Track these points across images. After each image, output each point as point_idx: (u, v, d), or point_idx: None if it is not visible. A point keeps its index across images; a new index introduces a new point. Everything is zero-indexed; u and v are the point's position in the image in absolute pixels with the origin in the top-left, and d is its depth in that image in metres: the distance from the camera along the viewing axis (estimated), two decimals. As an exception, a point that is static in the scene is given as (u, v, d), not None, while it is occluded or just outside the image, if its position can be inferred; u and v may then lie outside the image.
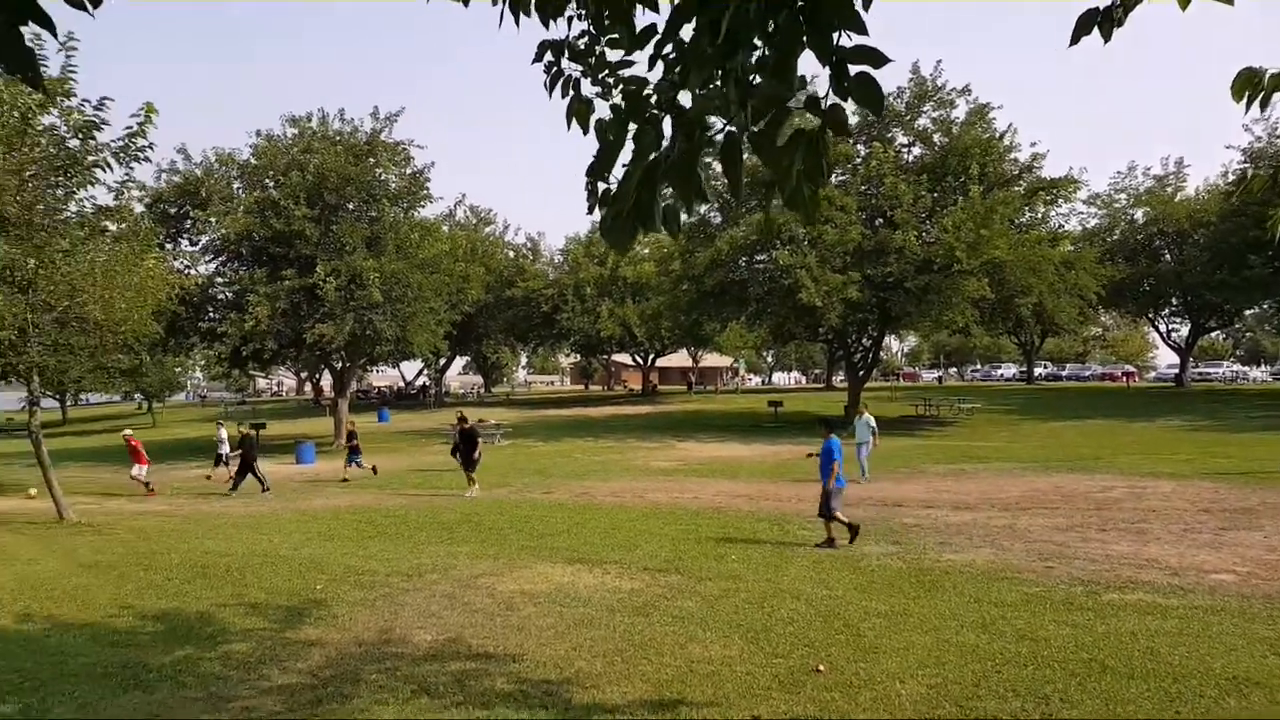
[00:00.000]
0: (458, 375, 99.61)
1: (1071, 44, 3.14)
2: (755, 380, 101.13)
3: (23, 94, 14.50)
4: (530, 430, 38.72)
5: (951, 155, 34.30)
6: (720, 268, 34.68)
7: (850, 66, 2.30)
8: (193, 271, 30.50)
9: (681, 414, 46.70)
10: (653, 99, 2.82)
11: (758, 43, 2.47)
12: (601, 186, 2.85)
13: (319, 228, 30.75)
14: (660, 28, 2.80)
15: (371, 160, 32.39)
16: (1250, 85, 3.07)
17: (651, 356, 66.38)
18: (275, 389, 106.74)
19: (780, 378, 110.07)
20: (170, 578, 10.78)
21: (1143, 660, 6.76)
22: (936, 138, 35.65)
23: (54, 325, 16.32)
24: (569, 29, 3.17)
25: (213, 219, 30.49)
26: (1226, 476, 18.18)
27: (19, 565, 12.00)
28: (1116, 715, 5.76)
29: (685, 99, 2.72)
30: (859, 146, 35.25)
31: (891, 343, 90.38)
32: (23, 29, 2.09)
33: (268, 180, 31.95)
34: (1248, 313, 61.50)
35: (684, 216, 2.81)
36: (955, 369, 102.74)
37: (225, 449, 24.23)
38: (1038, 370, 71.26)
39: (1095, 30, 3.11)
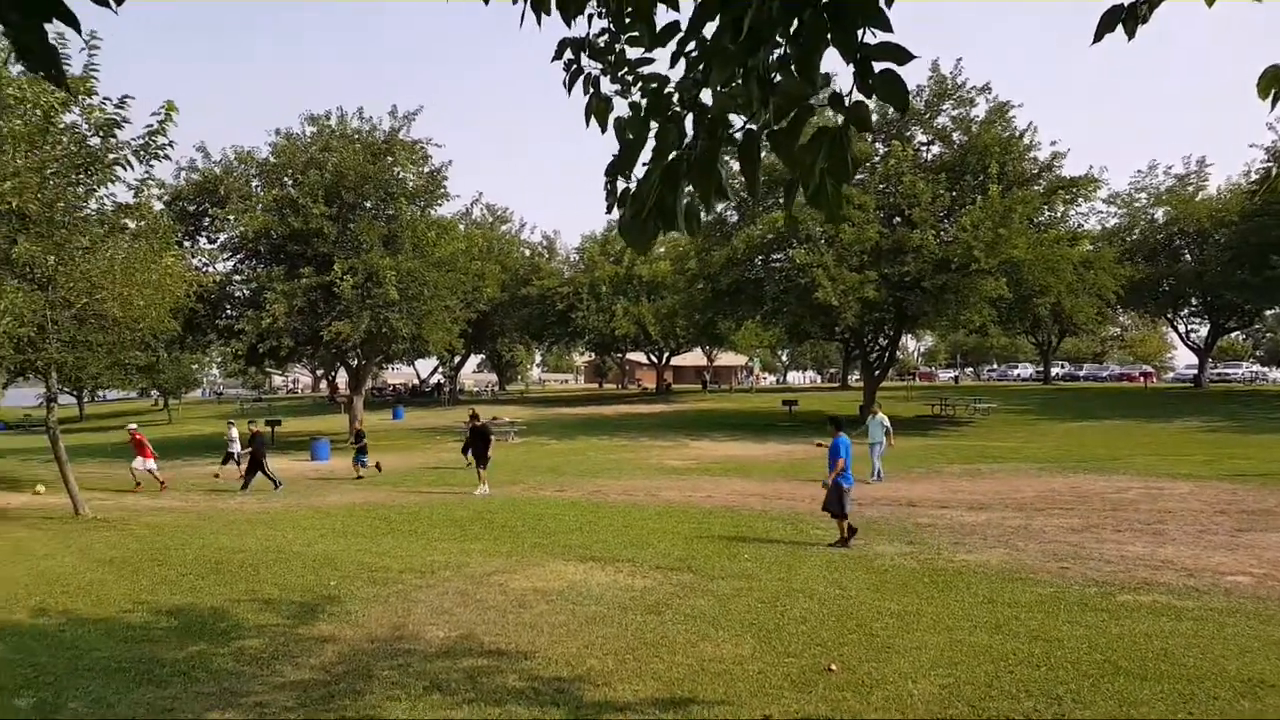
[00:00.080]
0: (472, 373, 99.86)
1: (1095, 41, 3.11)
2: (770, 379, 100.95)
3: (45, 92, 14.62)
4: (544, 428, 38.79)
5: (971, 154, 34.15)
6: (736, 266, 34.64)
7: (874, 64, 2.29)
8: (211, 269, 30.69)
9: (695, 413, 46.67)
10: (675, 97, 2.82)
11: (780, 40, 2.47)
12: (620, 185, 2.85)
13: (337, 226, 30.87)
14: (682, 25, 2.80)
15: (389, 159, 32.47)
16: (1277, 83, 3.03)
17: (666, 355, 66.39)
18: (291, 386, 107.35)
19: (795, 377, 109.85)
20: (184, 573, 10.85)
21: (1157, 662, 6.71)
22: (955, 136, 35.50)
23: (73, 322, 16.45)
24: (589, 27, 3.17)
25: (231, 217, 30.64)
26: (1244, 478, 18.03)
27: (35, 560, 12.11)
28: (1130, 717, 5.72)
29: (707, 97, 2.72)
30: (877, 145, 35.15)
31: (908, 342, 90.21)
32: (46, 27, 2.11)
33: (286, 178, 32.09)
34: (1268, 313, 61.02)
35: (703, 215, 2.81)
36: (971, 369, 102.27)
37: (235, 447, 24.37)
38: (1055, 370, 70.82)
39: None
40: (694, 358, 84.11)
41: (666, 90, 2.90)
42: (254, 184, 32.68)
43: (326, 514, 16.24)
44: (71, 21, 2.13)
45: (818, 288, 30.22)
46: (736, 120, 2.63)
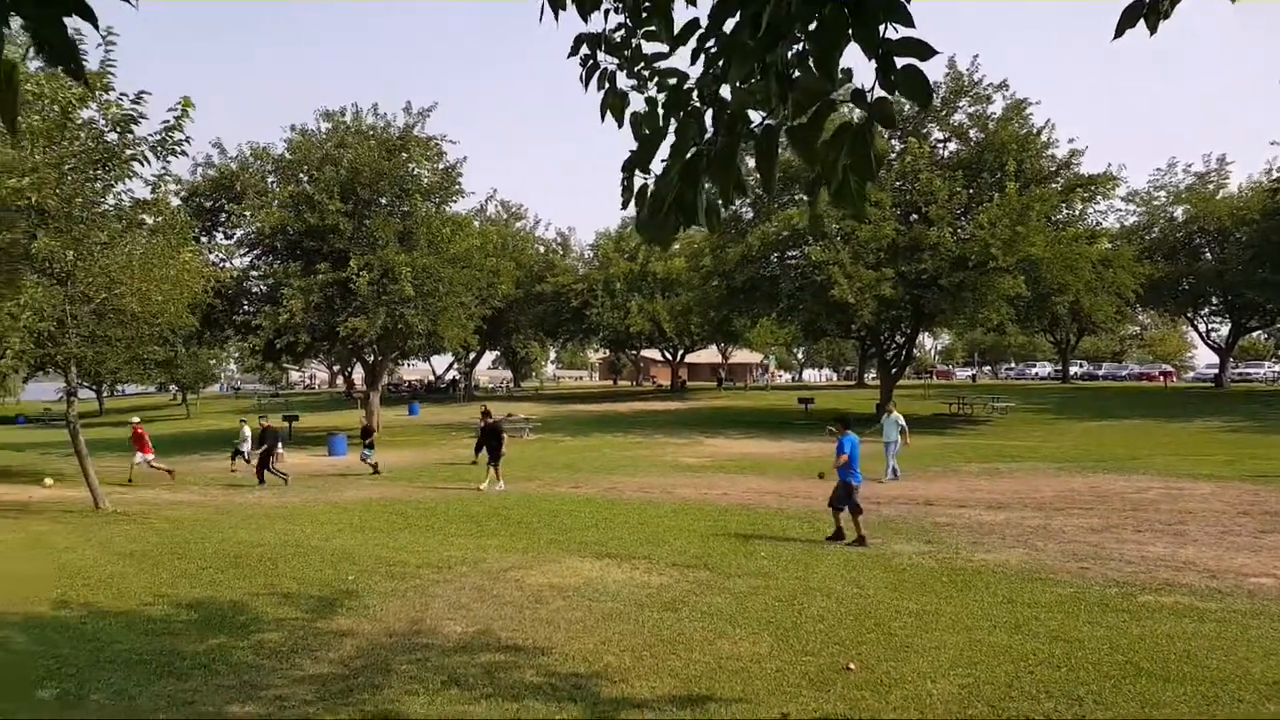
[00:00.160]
0: (487, 370, 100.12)
1: (1115, 37, 3.07)
2: (785, 377, 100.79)
3: (63, 88, 14.72)
4: (558, 425, 38.84)
5: (988, 151, 33.94)
6: (751, 264, 34.55)
7: (896, 59, 2.27)
8: (228, 265, 30.90)
9: (710, 410, 46.63)
10: (694, 92, 2.80)
11: (799, 36, 2.45)
12: (638, 182, 2.83)
13: (352, 222, 31.01)
14: (700, 21, 2.79)
15: (404, 155, 32.61)
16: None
17: (680, 352, 66.34)
18: (308, 382, 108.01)
19: (811, 375, 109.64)
20: (204, 567, 10.91)
21: (1179, 663, 6.64)
22: (973, 133, 35.29)
23: (92, 317, 16.57)
24: (605, 22, 3.16)
25: (248, 213, 30.84)
26: (1267, 479, 17.86)
27: (56, 553, 12.20)
28: (1152, 718, 5.67)
29: (726, 92, 2.70)
30: (893, 142, 34.98)
31: (925, 340, 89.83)
32: (65, 21, 2.11)
33: (302, 175, 32.26)
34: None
35: (721, 211, 2.79)
36: (989, 367, 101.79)
37: (246, 446, 24.53)
38: (1073, 369, 70.39)
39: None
40: (709, 355, 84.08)
41: (685, 86, 2.88)
42: (270, 180, 32.88)
43: (344, 509, 16.30)
44: (89, 16, 2.13)
45: (834, 285, 30.11)
46: (755, 116, 2.62)
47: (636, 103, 3.05)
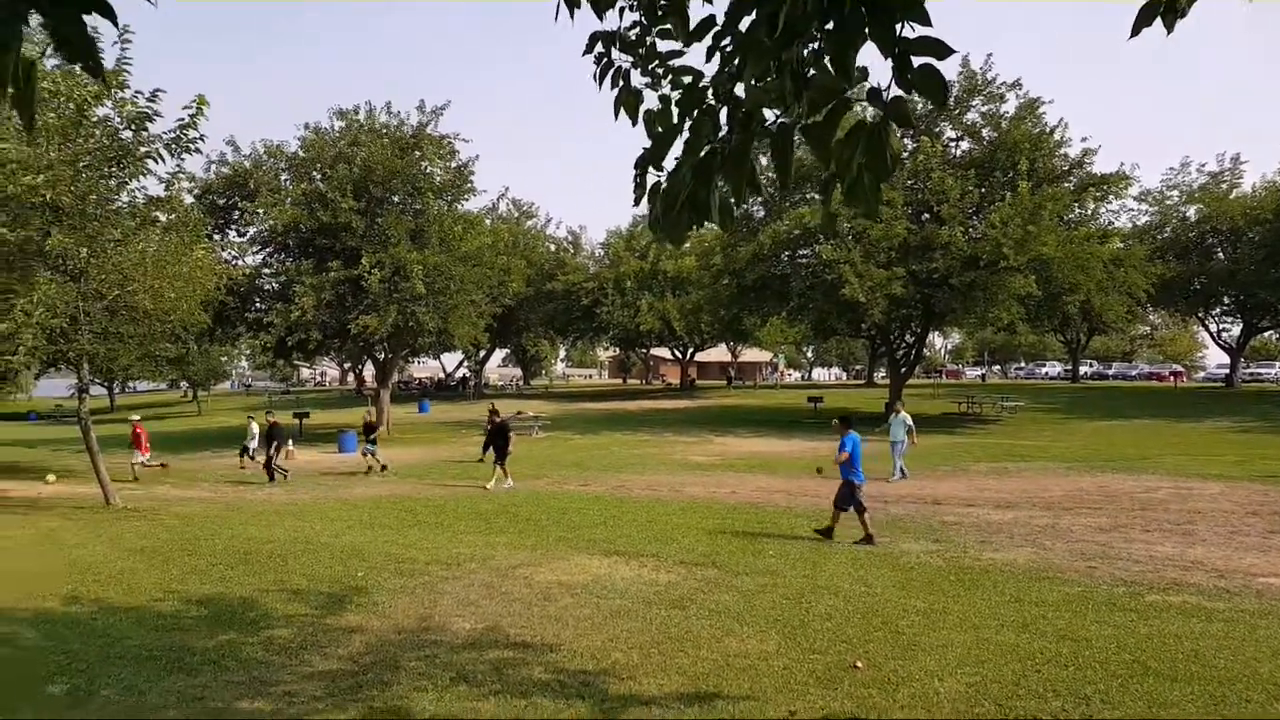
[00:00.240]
0: (497, 367, 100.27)
1: (1132, 35, 3.05)
2: (795, 376, 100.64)
3: (78, 85, 14.80)
4: (568, 423, 38.87)
5: (1000, 150, 33.79)
6: (762, 262, 34.47)
7: (913, 58, 2.28)
8: (240, 262, 30.99)
9: (719, 409, 46.60)
10: (709, 90, 2.81)
11: (815, 34, 2.45)
12: (651, 180, 2.84)
13: (364, 220, 31.08)
14: (716, 19, 2.80)
15: (417, 153, 32.66)
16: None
17: (690, 351, 66.30)
18: (319, 379, 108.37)
19: (820, 373, 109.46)
20: (214, 563, 10.97)
21: (1187, 663, 6.64)
22: (985, 132, 35.14)
23: (104, 313, 16.66)
24: (620, 20, 3.18)
25: (260, 210, 30.94)
26: (1277, 479, 17.76)
27: (67, 549, 12.28)
28: (1159, 718, 5.67)
29: (740, 90, 2.71)
30: (906, 140, 34.87)
31: (935, 339, 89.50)
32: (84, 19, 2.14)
33: (315, 173, 32.35)
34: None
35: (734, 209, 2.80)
36: (999, 366, 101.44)
37: (253, 444, 24.62)
38: (1083, 369, 70.08)
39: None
40: (718, 353, 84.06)
41: (700, 84, 2.89)
42: (283, 178, 32.97)
43: (353, 506, 16.36)
44: (108, 14, 2.16)
45: (844, 284, 30.03)
46: (769, 114, 2.63)
47: (650, 100, 3.07)
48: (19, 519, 15.38)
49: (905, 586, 9.29)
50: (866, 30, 2.30)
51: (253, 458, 24.19)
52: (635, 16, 3.18)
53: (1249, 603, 8.45)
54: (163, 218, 17.13)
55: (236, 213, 33.03)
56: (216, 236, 31.43)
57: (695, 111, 2.84)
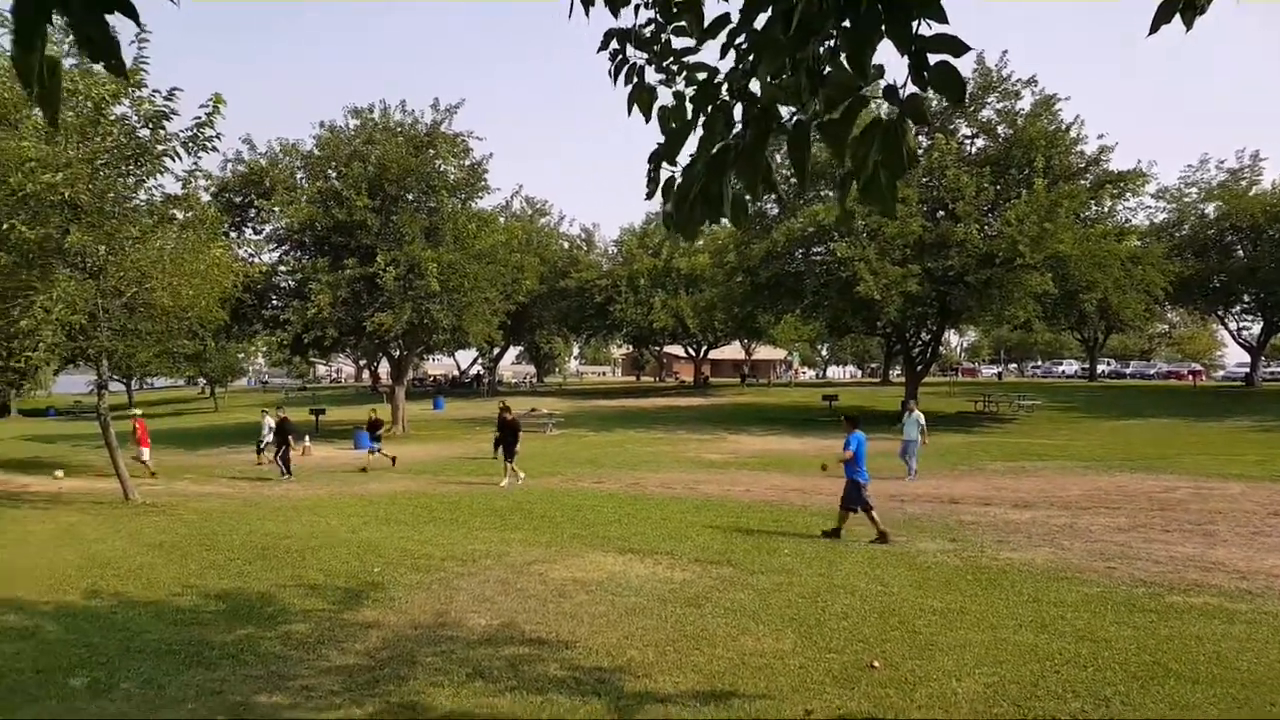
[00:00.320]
0: (511, 365, 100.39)
1: (1151, 32, 3.02)
2: (809, 374, 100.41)
3: (96, 84, 14.92)
4: (581, 420, 38.91)
5: (1016, 147, 33.62)
6: (776, 259, 34.40)
7: (929, 56, 2.26)
8: (257, 260, 31.13)
9: (733, 407, 46.55)
10: (723, 86, 2.80)
11: (831, 31, 2.44)
12: (664, 175, 2.84)
13: (379, 218, 31.19)
14: (731, 16, 2.79)
15: (431, 151, 32.74)
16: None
17: (704, 348, 66.24)
18: (334, 375, 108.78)
19: (835, 371, 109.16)
20: (232, 558, 11.04)
21: (1208, 665, 6.58)
22: (1000, 129, 34.94)
23: (123, 310, 16.79)
24: (635, 17, 3.17)
25: (277, 208, 31.09)
26: (1299, 480, 17.60)
27: (86, 544, 12.39)
28: (1181, 721, 5.63)
29: (755, 86, 2.70)
30: (921, 138, 34.71)
31: (951, 337, 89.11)
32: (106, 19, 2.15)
33: (330, 171, 32.47)
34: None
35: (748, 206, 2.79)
36: (1015, 365, 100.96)
37: (268, 438, 24.75)
38: (1100, 367, 69.63)
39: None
40: (732, 351, 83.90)
41: (715, 80, 2.89)
42: (298, 176, 33.12)
43: (370, 501, 16.43)
44: (131, 13, 2.17)
45: (859, 281, 29.94)
46: (785, 110, 2.62)
47: (664, 97, 3.07)
48: (40, 514, 15.52)
49: (922, 586, 9.25)
50: (883, 28, 2.29)
51: (262, 451, 24.33)
52: (650, 14, 3.18)
53: (1272, 604, 8.36)
54: (180, 215, 17.24)
55: (253, 210, 33.20)
56: (233, 234, 31.59)
57: (709, 108, 2.83)
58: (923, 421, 19.44)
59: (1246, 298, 50.23)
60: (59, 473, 22.35)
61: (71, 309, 15.16)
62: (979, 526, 12.99)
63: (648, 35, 3.23)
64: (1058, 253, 29.71)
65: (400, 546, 11.60)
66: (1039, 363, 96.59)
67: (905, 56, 2.28)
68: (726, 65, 2.87)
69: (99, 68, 15.28)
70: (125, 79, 14.47)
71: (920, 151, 33.99)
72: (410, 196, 32.79)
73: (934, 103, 30.15)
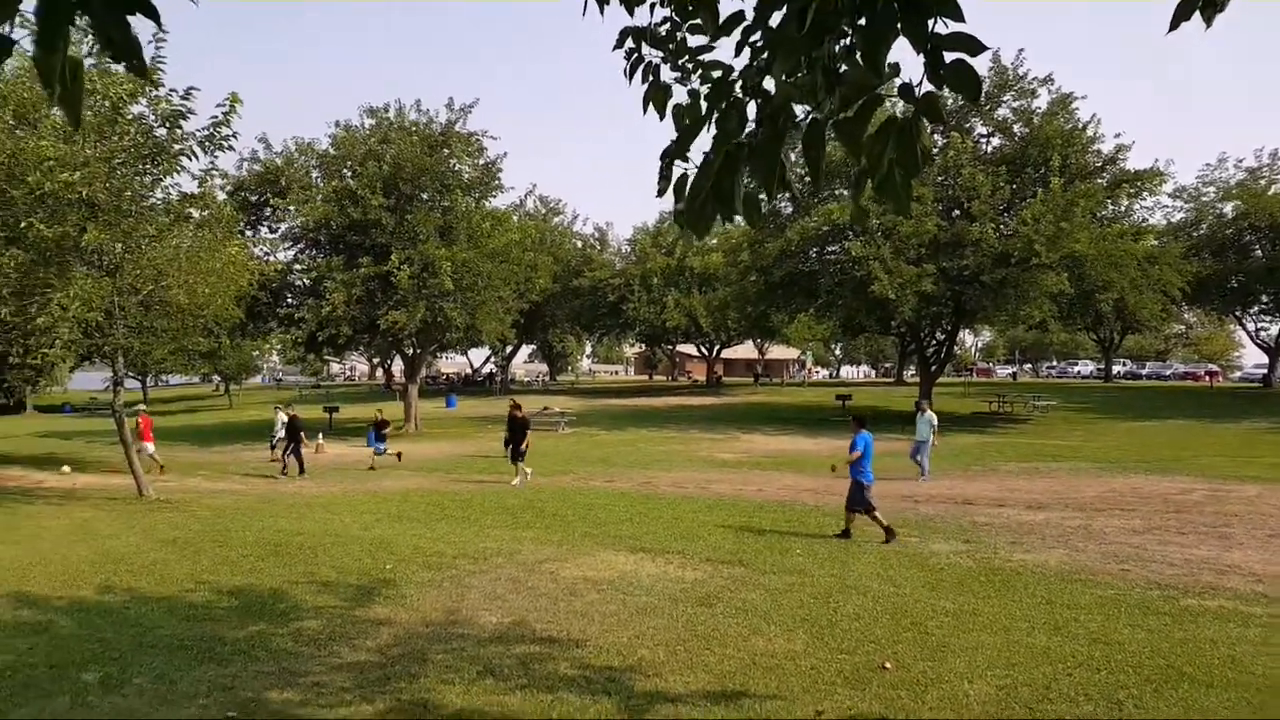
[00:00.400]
0: (523, 363, 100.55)
1: (1171, 29, 2.99)
2: (822, 373, 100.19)
3: (114, 83, 15.01)
4: (593, 419, 38.93)
5: (1032, 146, 33.43)
6: (790, 259, 34.32)
7: (945, 54, 2.25)
8: (272, 258, 31.31)
9: (746, 406, 46.49)
10: (737, 84, 2.80)
11: (846, 29, 2.43)
12: (676, 172, 2.84)
13: (394, 217, 31.27)
14: (746, 14, 2.78)
15: (446, 151, 32.81)
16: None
17: (717, 348, 66.19)
18: (348, 373, 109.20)
19: (849, 371, 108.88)
20: (244, 554, 11.09)
21: (1223, 669, 6.52)
22: (1016, 128, 34.75)
23: (139, 308, 16.89)
24: (651, 16, 3.17)
25: (292, 207, 31.25)
26: (1317, 482, 17.44)
27: (100, 539, 12.47)
28: (1196, 725, 5.58)
29: (770, 84, 2.69)
30: (936, 136, 34.55)
31: (965, 337, 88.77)
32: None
33: (345, 170, 32.59)
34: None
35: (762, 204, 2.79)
36: (1030, 365, 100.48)
37: (279, 433, 24.83)
38: (1116, 368, 69.22)
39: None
40: (745, 350, 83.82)
41: (729, 78, 2.88)
42: (314, 175, 33.26)
43: (382, 499, 16.48)
44: (153, 14, 2.18)
45: (874, 281, 29.82)
46: (799, 109, 2.61)
47: (678, 95, 3.06)
48: (54, 509, 15.64)
49: (935, 587, 9.21)
50: (899, 26, 2.28)
51: (273, 448, 24.44)
52: (665, 12, 3.18)
53: (1287, 607, 8.29)
54: (196, 214, 17.33)
55: (268, 209, 33.35)
56: (249, 233, 31.75)
57: (723, 104, 2.83)
58: (935, 421, 19.34)
59: (1265, 298, 49.82)
60: (66, 468, 22.50)
61: (88, 306, 15.25)
62: (992, 528, 12.92)
63: (663, 34, 3.23)
64: (1074, 252, 29.53)
65: (412, 544, 11.63)
66: (1054, 363, 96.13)
67: (921, 55, 2.27)
68: (741, 63, 2.86)
69: (116, 67, 15.43)
70: (147, 79, 14.56)
71: (936, 150, 33.84)
72: (425, 195, 32.86)
73: (950, 101, 30.02)
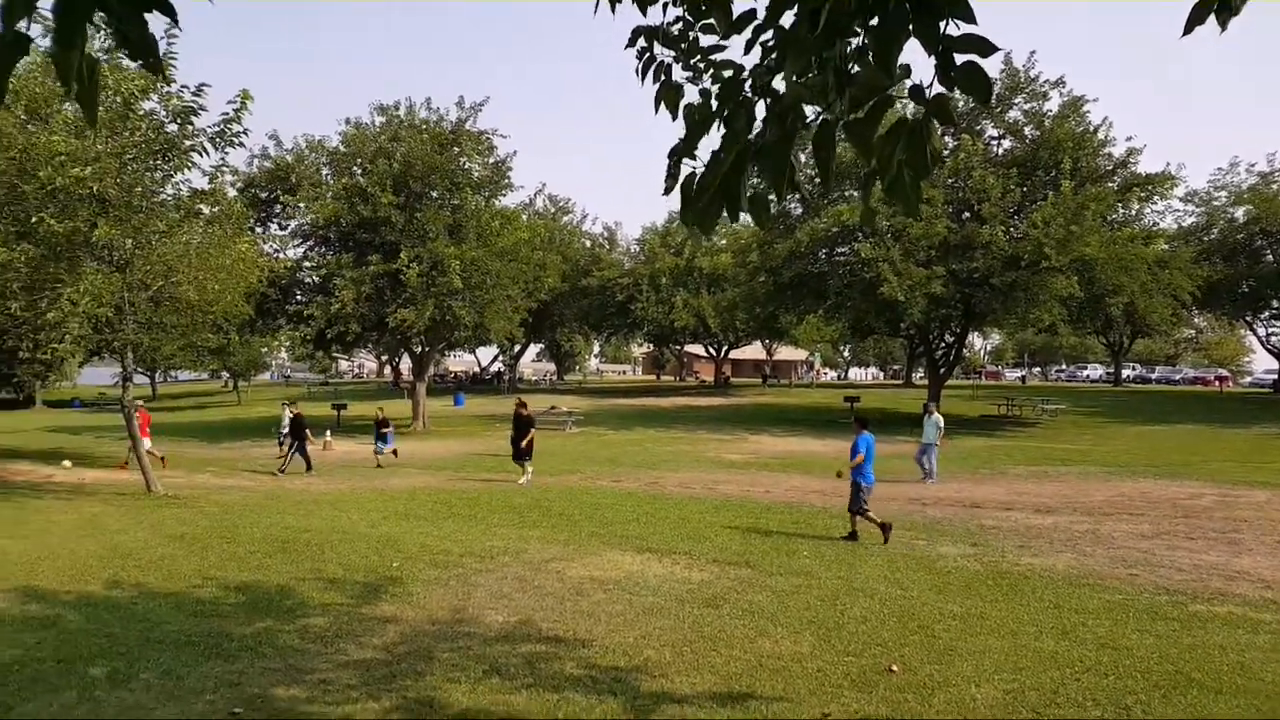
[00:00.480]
0: (531, 362, 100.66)
1: (1185, 33, 2.97)
2: (831, 375, 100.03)
3: (126, 79, 15.06)
4: (601, 418, 38.92)
5: (1043, 149, 33.30)
6: (799, 260, 34.25)
7: (957, 56, 2.24)
8: (282, 255, 31.38)
9: (754, 407, 46.43)
10: (747, 83, 2.79)
11: (858, 30, 2.43)
12: (684, 171, 2.83)
13: (404, 215, 31.33)
14: (758, 14, 2.78)
15: (456, 149, 32.86)
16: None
17: (725, 348, 66.14)
18: (356, 371, 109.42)
19: (857, 373, 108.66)
20: (252, 551, 11.11)
21: (1232, 675, 6.49)
22: (1027, 131, 34.63)
23: (149, 304, 16.94)
24: (664, 15, 3.17)
25: (302, 204, 31.34)
26: (1327, 489, 17.34)
27: (108, 535, 12.50)
28: (1204, 732, 5.55)
29: (779, 84, 2.69)
30: (947, 138, 34.45)
31: (974, 340, 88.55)
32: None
33: (355, 167, 32.66)
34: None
35: (771, 205, 2.78)
36: (1039, 368, 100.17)
37: (285, 430, 24.88)
38: (1125, 372, 68.97)
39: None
40: (753, 351, 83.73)
41: (740, 77, 2.88)
42: (324, 172, 33.34)
43: (390, 497, 16.50)
44: (169, 12, 2.19)
45: (883, 283, 29.74)
46: (809, 109, 2.61)
47: (690, 95, 3.06)
48: (63, 504, 15.69)
49: (942, 590, 9.19)
50: (910, 27, 2.28)
51: (280, 444, 24.49)
52: (678, 11, 3.18)
53: (1297, 614, 8.25)
54: (206, 210, 17.39)
55: (278, 206, 33.43)
56: (259, 229, 31.84)
57: (732, 104, 2.83)
58: (941, 424, 19.27)
59: (1276, 303, 49.63)
60: (67, 463, 22.57)
61: (98, 302, 15.29)
62: (1000, 531, 12.88)
63: (675, 33, 3.23)
64: (1084, 256, 29.42)
65: (419, 542, 11.64)
66: (1063, 366, 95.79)
67: (932, 56, 2.26)
68: (751, 62, 2.86)
69: (128, 62, 15.47)
70: (162, 76, 14.60)
71: (946, 152, 33.72)
72: (434, 194, 32.92)
73: (960, 103, 29.95)
